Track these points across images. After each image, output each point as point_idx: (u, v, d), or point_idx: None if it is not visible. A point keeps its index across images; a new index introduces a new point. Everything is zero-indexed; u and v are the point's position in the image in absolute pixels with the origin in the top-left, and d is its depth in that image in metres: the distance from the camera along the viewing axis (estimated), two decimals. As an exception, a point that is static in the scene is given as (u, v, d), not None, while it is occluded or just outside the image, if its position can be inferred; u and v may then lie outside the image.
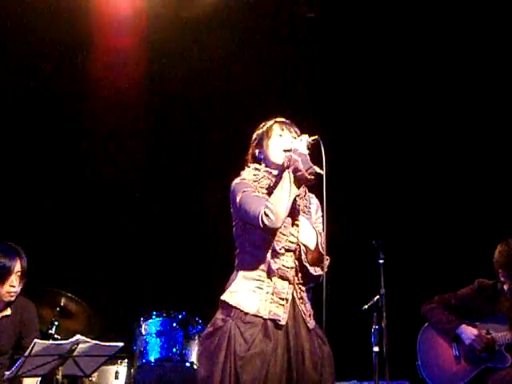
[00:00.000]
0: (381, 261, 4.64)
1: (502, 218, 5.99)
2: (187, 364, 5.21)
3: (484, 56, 6.30)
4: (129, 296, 6.33)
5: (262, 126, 3.48)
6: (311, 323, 3.24)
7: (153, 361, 5.24)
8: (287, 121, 3.48)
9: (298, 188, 3.19)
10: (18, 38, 6.28)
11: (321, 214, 3.40)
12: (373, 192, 6.58)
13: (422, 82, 6.51)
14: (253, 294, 3.15)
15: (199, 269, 6.43)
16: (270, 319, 3.11)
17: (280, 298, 3.15)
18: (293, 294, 3.20)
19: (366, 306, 4.66)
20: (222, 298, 3.21)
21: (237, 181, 3.30)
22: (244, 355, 3.02)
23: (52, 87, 6.48)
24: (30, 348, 4.07)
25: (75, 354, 4.27)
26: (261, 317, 3.11)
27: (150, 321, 5.32)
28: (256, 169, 3.35)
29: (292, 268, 3.22)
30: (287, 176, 3.14)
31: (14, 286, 4.44)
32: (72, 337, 4.27)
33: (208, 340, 3.14)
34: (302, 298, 3.24)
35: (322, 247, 3.24)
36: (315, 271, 3.25)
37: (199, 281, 6.35)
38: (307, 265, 3.22)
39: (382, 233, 4.81)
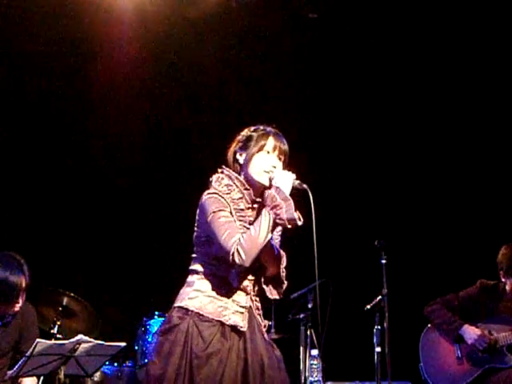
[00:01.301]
0: (383, 261, 4.64)
1: (505, 219, 5.98)
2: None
3: (483, 56, 6.30)
4: (131, 296, 6.34)
5: (255, 129, 3.31)
6: (264, 331, 3.22)
7: (154, 361, 5.22)
8: (280, 134, 3.29)
9: (273, 230, 3.08)
10: (20, 40, 6.29)
11: (280, 228, 3.25)
12: (375, 193, 6.59)
13: (426, 82, 6.51)
14: (213, 299, 3.10)
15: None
16: (231, 325, 3.08)
17: (240, 306, 3.13)
18: (250, 305, 3.18)
19: (369, 307, 4.66)
20: (180, 304, 3.13)
21: (208, 195, 3.14)
22: (201, 354, 2.98)
23: (52, 90, 6.49)
24: (32, 348, 4.07)
25: (77, 353, 4.27)
26: (220, 321, 3.07)
27: (152, 320, 5.32)
28: (228, 177, 3.22)
29: (252, 281, 3.19)
30: (267, 220, 3.01)
31: (18, 302, 4.42)
32: (74, 336, 4.27)
33: (163, 337, 3.07)
34: (258, 308, 3.23)
35: (283, 270, 3.20)
36: (271, 294, 3.22)
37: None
38: (265, 287, 3.20)
39: (384, 233, 4.81)
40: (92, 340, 4.28)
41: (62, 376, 4.29)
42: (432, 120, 6.57)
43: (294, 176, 3.14)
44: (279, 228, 3.26)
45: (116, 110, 6.64)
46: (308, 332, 5.06)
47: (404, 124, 6.59)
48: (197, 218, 3.21)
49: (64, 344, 4.25)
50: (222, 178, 3.22)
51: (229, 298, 3.12)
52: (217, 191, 3.15)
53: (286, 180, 3.10)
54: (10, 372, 4.25)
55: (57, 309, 5.17)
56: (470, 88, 6.42)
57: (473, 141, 6.47)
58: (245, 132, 3.33)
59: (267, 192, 3.09)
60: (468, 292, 5.14)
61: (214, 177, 3.25)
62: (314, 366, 5.18)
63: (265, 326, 3.24)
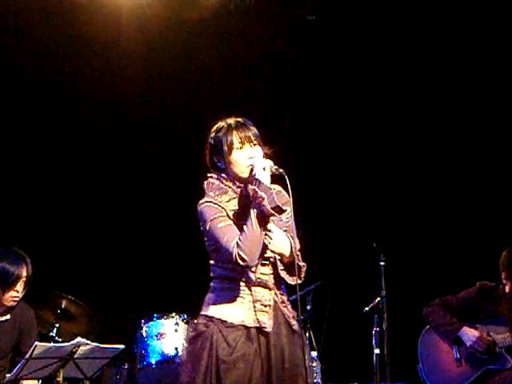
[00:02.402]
0: (382, 263, 4.64)
1: (505, 220, 5.99)
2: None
3: (483, 57, 6.31)
4: (130, 298, 6.33)
5: (218, 128, 3.34)
6: (294, 323, 3.23)
7: (154, 363, 5.23)
8: (244, 122, 3.29)
9: (267, 223, 3.11)
10: (17, 41, 6.30)
11: (289, 209, 3.25)
12: (373, 194, 6.59)
13: (424, 83, 6.52)
14: (235, 304, 3.14)
15: (200, 271, 6.41)
16: (256, 327, 3.11)
17: (263, 305, 3.15)
18: (274, 300, 3.20)
19: (367, 308, 4.66)
20: (205, 313, 3.18)
21: (203, 203, 3.19)
22: (227, 359, 3.02)
23: (50, 91, 6.48)
24: (31, 351, 4.08)
25: (76, 356, 4.27)
26: (244, 325, 3.10)
27: (150, 323, 5.31)
28: (219, 180, 3.25)
29: (270, 275, 3.21)
30: (254, 215, 3.05)
31: (17, 292, 4.44)
32: (73, 339, 4.27)
33: (191, 345, 3.14)
34: (283, 301, 3.24)
35: (297, 254, 3.21)
36: (293, 281, 3.23)
37: (200, 283, 6.34)
38: (284, 275, 3.21)
39: (382, 235, 4.81)
40: (91, 343, 4.29)
41: (60, 379, 4.29)
42: (430, 121, 6.58)
43: (270, 163, 3.16)
44: (288, 209, 3.23)
45: (115, 111, 6.65)
46: (307, 334, 5.05)
47: (402, 126, 6.59)
48: (201, 228, 3.25)
49: (63, 347, 4.25)
50: (213, 183, 3.26)
51: (251, 298, 3.14)
52: (209, 199, 3.19)
53: (265, 170, 3.13)
54: (8, 375, 4.26)
55: (55, 312, 5.16)
56: (469, 89, 6.43)
57: (473, 142, 6.47)
58: (212, 135, 3.34)
59: (249, 187, 3.13)
60: (467, 294, 5.14)
61: (205, 183, 3.28)
62: (312, 368, 5.17)
63: (293, 317, 3.23)
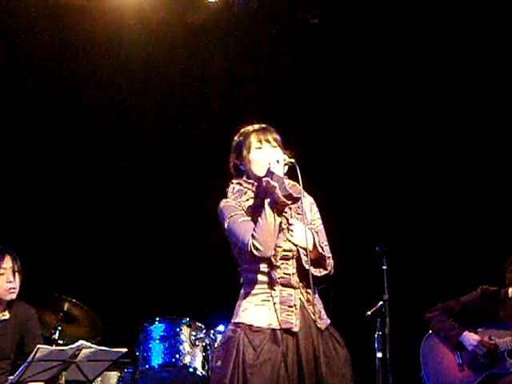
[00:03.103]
0: (384, 267, 4.63)
1: (507, 225, 5.98)
2: (190, 370, 5.20)
3: (482, 59, 6.31)
4: (132, 301, 6.33)
5: (239, 133, 3.44)
6: (322, 323, 3.24)
7: (156, 366, 5.23)
8: (265, 127, 3.42)
9: (281, 213, 3.18)
10: (20, 44, 6.31)
11: (317, 210, 3.44)
12: (376, 198, 6.58)
13: (426, 86, 6.52)
14: (261, 307, 3.17)
15: (203, 274, 6.43)
16: (283, 329, 3.12)
17: (289, 306, 3.17)
18: (300, 299, 3.21)
19: (370, 313, 4.65)
20: (234, 320, 3.22)
21: (223, 203, 3.30)
22: (254, 363, 3.05)
23: (53, 91, 6.49)
24: (33, 353, 4.07)
25: (78, 359, 4.27)
26: (271, 328, 3.12)
27: (153, 326, 5.31)
28: (239, 183, 3.36)
29: (294, 274, 3.23)
30: (267, 205, 3.13)
31: (11, 282, 4.44)
32: (75, 342, 4.27)
33: (219, 351, 3.20)
34: (309, 300, 3.24)
35: (321, 246, 3.26)
36: (319, 272, 3.26)
37: (203, 286, 6.35)
38: (309, 268, 3.20)
39: (385, 239, 4.80)
40: (93, 346, 4.28)
41: (62, 382, 4.28)
42: (433, 125, 6.58)
43: (284, 156, 3.26)
44: (315, 209, 3.42)
45: (117, 114, 6.65)
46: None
47: (405, 129, 6.60)
48: (222, 229, 3.31)
49: (65, 350, 4.25)
50: (234, 188, 3.37)
51: (276, 300, 3.17)
52: (227, 199, 3.31)
53: (278, 164, 3.22)
54: (11, 378, 4.25)
55: (58, 314, 5.16)
56: (470, 94, 6.43)
57: (475, 146, 6.47)
58: (233, 142, 3.45)
59: (263, 179, 3.21)
60: (469, 298, 5.14)
61: (228, 189, 3.39)
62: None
63: (319, 316, 3.24)
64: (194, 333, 5.23)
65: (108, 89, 6.53)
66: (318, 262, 3.26)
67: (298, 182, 3.25)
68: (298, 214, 3.32)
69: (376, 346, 4.55)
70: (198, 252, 6.48)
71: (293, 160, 3.26)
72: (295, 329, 3.13)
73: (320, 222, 3.43)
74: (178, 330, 5.27)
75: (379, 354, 4.52)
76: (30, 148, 6.49)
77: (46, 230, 6.41)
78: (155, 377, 5.29)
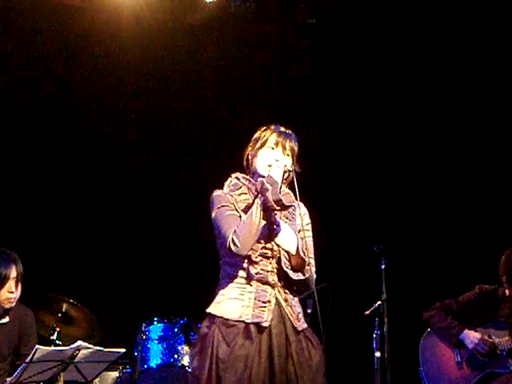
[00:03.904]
0: (382, 266, 4.64)
1: (506, 223, 5.98)
2: (189, 370, 5.20)
3: (481, 59, 6.32)
4: (130, 302, 6.33)
5: (263, 129, 3.46)
6: (299, 325, 3.24)
7: (154, 367, 5.23)
8: (287, 132, 3.43)
9: (268, 217, 3.19)
10: (18, 45, 6.31)
11: (309, 221, 3.43)
12: (374, 197, 6.59)
13: (424, 86, 6.53)
14: (236, 301, 3.19)
15: (201, 274, 6.42)
16: (253, 323, 3.13)
17: (263, 302, 3.17)
18: (276, 297, 3.22)
19: (368, 312, 4.65)
20: (208, 310, 3.25)
21: (215, 193, 3.33)
22: (226, 358, 3.07)
23: (50, 92, 6.49)
24: (32, 354, 4.07)
25: (77, 360, 4.27)
26: (243, 321, 3.14)
27: (151, 326, 5.31)
28: (237, 178, 3.39)
29: (272, 272, 3.24)
30: (256, 205, 3.15)
31: (12, 292, 4.44)
32: (73, 343, 4.27)
33: (196, 348, 3.22)
34: (286, 300, 3.25)
35: (303, 252, 3.25)
36: (296, 276, 3.26)
37: (201, 287, 6.34)
38: (287, 270, 3.23)
39: (383, 238, 4.81)
40: (91, 346, 4.29)
41: (61, 382, 4.29)
42: (430, 123, 6.58)
43: (287, 163, 3.28)
44: (308, 220, 3.41)
45: (115, 114, 6.65)
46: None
47: (402, 128, 6.60)
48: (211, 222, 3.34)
49: (63, 350, 4.25)
50: (231, 181, 3.40)
51: (251, 295, 3.18)
52: (221, 191, 3.33)
53: (278, 169, 3.25)
54: (9, 379, 4.25)
55: (56, 315, 5.16)
56: (468, 93, 6.43)
57: (473, 144, 6.47)
58: (255, 134, 3.47)
59: (258, 179, 3.25)
60: (466, 297, 5.13)
61: (228, 180, 3.41)
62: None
63: (297, 318, 3.24)
64: (192, 333, 5.23)
65: (106, 89, 6.53)
66: (298, 267, 3.26)
67: (295, 191, 3.27)
68: (288, 219, 3.34)
69: (374, 345, 4.56)
70: (196, 253, 6.48)
71: (291, 168, 3.28)
72: (265, 324, 3.13)
73: (310, 233, 3.41)
74: (176, 330, 5.27)
75: (377, 353, 4.53)
76: (28, 148, 6.48)
77: (45, 231, 6.40)
78: (154, 377, 5.29)
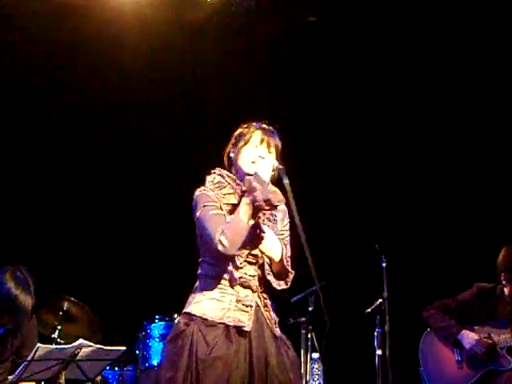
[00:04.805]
0: (383, 264, 4.64)
1: (505, 221, 5.98)
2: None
3: (482, 59, 6.32)
4: (132, 300, 6.33)
5: (245, 126, 3.38)
6: (277, 330, 3.23)
7: (155, 365, 5.24)
8: (273, 130, 3.34)
9: (256, 215, 3.14)
10: (20, 42, 6.31)
11: (287, 221, 3.36)
12: (375, 195, 6.59)
13: (425, 85, 6.52)
14: (216, 302, 3.14)
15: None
16: (234, 326, 3.11)
17: (244, 305, 3.15)
18: (257, 302, 3.20)
19: (369, 310, 4.66)
20: (186, 310, 3.18)
21: (199, 192, 3.25)
22: (206, 358, 3.02)
23: (52, 90, 6.49)
24: (33, 352, 4.08)
25: (78, 358, 4.27)
26: (224, 323, 3.11)
27: (152, 325, 5.32)
28: (220, 175, 3.30)
29: (254, 276, 3.21)
30: (244, 204, 3.09)
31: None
32: (75, 341, 4.27)
33: (171, 344, 3.13)
34: (266, 305, 3.23)
35: (287, 260, 3.22)
36: (279, 285, 3.24)
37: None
38: (270, 278, 3.21)
39: (384, 236, 4.81)
40: (93, 344, 4.29)
41: (62, 381, 4.29)
42: (430, 121, 6.58)
43: (273, 161, 3.20)
44: (286, 221, 3.35)
45: (116, 113, 6.65)
46: (309, 335, 5.05)
47: (403, 127, 6.60)
48: (194, 218, 3.27)
49: (65, 349, 4.25)
50: (214, 177, 3.31)
51: (233, 298, 3.14)
52: (206, 188, 3.25)
53: (266, 165, 3.17)
54: (11, 377, 4.25)
55: (57, 313, 5.17)
56: (468, 93, 6.43)
57: (472, 144, 6.47)
58: (237, 131, 3.39)
59: (245, 178, 3.18)
60: (465, 296, 5.13)
61: (208, 177, 3.33)
62: (315, 370, 5.18)
63: (275, 323, 3.22)
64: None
65: (106, 87, 6.53)
66: (281, 275, 3.24)
67: (284, 190, 3.20)
68: (270, 221, 3.28)
69: (375, 343, 4.56)
70: (197, 251, 6.48)
71: (281, 166, 3.19)
72: (246, 328, 3.11)
73: (288, 233, 3.36)
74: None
75: (379, 351, 4.53)
76: (27, 148, 6.48)
77: (46, 230, 6.41)
78: (155, 375, 5.30)
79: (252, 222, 3.12)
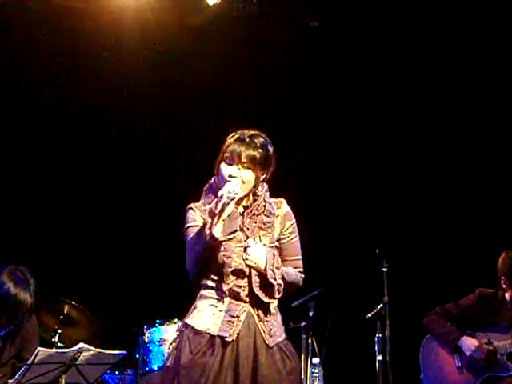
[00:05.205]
0: (384, 269, 4.64)
1: (506, 226, 5.98)
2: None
3: (482, 58, 6.32)
4: (132, 304, 6.33)
5: (229, 137, 3.32)
6: (271, 340, 3.21)
7: (156, 369, 5.22)
8: (250, 141, 3.22)
9: (209, 246, 3.11)
10: (21, 45, 6.32)
11: (291, 223, 3.32)
12: (376, 201, 6.58)
13: (426, 90, 6.52)
14: (206, 313, 3.21)
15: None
16: (218, 336, 3.14)
17: (231, 316, 3.17)
18: (249, 312, 3.20)
19: (370, 315, 4.65)
20: (184, 319, 3.30)
21: (188, 208, 3.31)
22: (186, 365, 3.10)
23: (53, 93, 6.49)
24: (33, 356, 4.08)
25: (78, 362, 4.27)
26: (209, 333, 3.15)
27: (153, 329, 5.30)
28: (215, 184, 3.29)
29: (244, 287, 3.21)
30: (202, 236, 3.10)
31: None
32: (75, 345, 4.27)
33: (170, 350, 3.38)
34: (259, 315, 3.23)
35: (273, 271, 3.18)
36: (265, 298, 3.22)
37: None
38: (258, 292, 3.20)
39: (385, 241, 4.81)
40: (93, 348, 4.29)
41: (63, 384, 4.29)
42: (431, 127, 6.58)
43: (234, 189, 3.09)
44: (288, 224, 3.31)
45: (117, 116, 6.66)
46: (309, 340, 5.05)
47: (404, 131, 6.60)
48: None
49: (65, 352, 4.25)
50: (211, 186, 3.34)
51: (222, 308, 3.19)
52: (194, 205, 3.30)
53: (233, 185, 3.13)
54: (11, 381, 4.25)
55: (58, 317, 5.17)
56: (467, 96, 6.43)
57: (472, 148, 6.47)
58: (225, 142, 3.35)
59: (207, 206, 3.21)
60: (466, 301, 5.13)
61: (205, 187, 3.37)
62: (315, 375, 5.17)
63: (269, 333, 3.20)
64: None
65: (107, 91, 6.53)
66: (267, 287, 3.21)
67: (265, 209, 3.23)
68: (262, 229, 3.26)
69: (376, 348, 4.55)
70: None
71: (232, 197, 3.06)
72: (228, 339, 3.13)
73: (293, 235, 3.33)
74: (177, 332, 5.25)
75: (379, 357, 4.52)
76: (27, 149, 6.48)
77: (46, 233, 6.41)
78: (155, 380, 5.29)
79: (209, 252, 3.11)
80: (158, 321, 5.34)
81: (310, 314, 5.08)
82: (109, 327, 5.50)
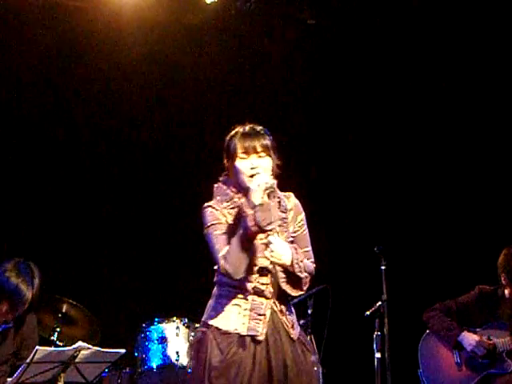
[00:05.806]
0: (382, 267, 4.64)
1: (505, 223, 5.99)
2: (189, 371, 5.20)
3: (482, 58, 6.32)
4: (131, 302, 6.33)
5: (229, 135, 3.34)
6: (294, 333, 3.25)
7: (154, 367, 5.23)
8: (254, 132, 3.27)
9: (254, 238, 3.12)
10: (18, 45, 6.31)
11: (302, 216, 3.35)
12: (374, 198, 6.59)
13: (425, 88, 6.53)
14: (231, 312, 3.19)
15: (202, 275, 6.42)
16: (248, 335, 3.14)
17: (258, 314, 3.17)
18: (272, 308, 3.21)
19: (368, 313, 4.65)
20: (204, 319, 3.26)
21: (205, 208, 3.26)
22: (219, 366, 3.08)
23: (51, 93, 6.49)
24: (32, 355, 4.07)
25: (77, 360, 4.26)
26: (238, 333, 3.14)
27: (152, 327, 5.31)
28: (226, 185, 3.29)
29: (268, 285, 3.21)
30: (239, 232, 3.09)
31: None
32: (74, 343, 4.27)
33: (192, 351, 3.28)
34: (281, 310, 3.25)
35: (298, 265, 3.20)
36: (296, 292, 3.26)
37: (202, 287, 6.34)
38: (284, 286, 3.22)
39: (383, 239, 4.81)
40: (92, 347, 4.28)
41: (61, 383, 4.28)
42: (429, 124, 6.59)
43: (266, 180, 3.13)
44: (300, 218, 3.34)
45: (115, 115, 6.65)
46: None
47: (402, 129, 6.61)
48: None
49: (64, 351, 4.24)
50: (221, 187, 3.31)
51: (247, 306, 3.18)
52: (212, 203, 3.27)
53: (259, 186, 3.12)
54: (9, 379, 4.25)
55: (56, 316, 5.16)
56: (467, 100, 6.44)
57: (472, 146, 6.48)
58: (225, 142, 3.35)
59: (239, 201, 3.20)
60: (466, 298, 5.14)
61: (215, 186, 3.34)
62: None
63: (292, 326, 3.24)
64: (192, 334, 5.23)
65: (106, 88, 6.52)
66: (294, 281, 3.24)
67: (280, 205, 3.23)
68: (280, 225, 3.25)
69: (375, 346, 4.55)
70: (197, 253, 6.47)
71: (271, 186, 3.12)
72: (260, 337, 3.14)
73: (304, 227, 3.37)
74: (176, 331, 5.27)
75: (378, 354, 4.52)
76: (27, 149, 6.48)
77: (45, 232, 6.40)
78: (154, 378, 5.29)
79: (251, 244, 3.11)
80: (156, 319, 5.35)
81: (309, 311, 5.09)
82: (107, 325, 5.50)
